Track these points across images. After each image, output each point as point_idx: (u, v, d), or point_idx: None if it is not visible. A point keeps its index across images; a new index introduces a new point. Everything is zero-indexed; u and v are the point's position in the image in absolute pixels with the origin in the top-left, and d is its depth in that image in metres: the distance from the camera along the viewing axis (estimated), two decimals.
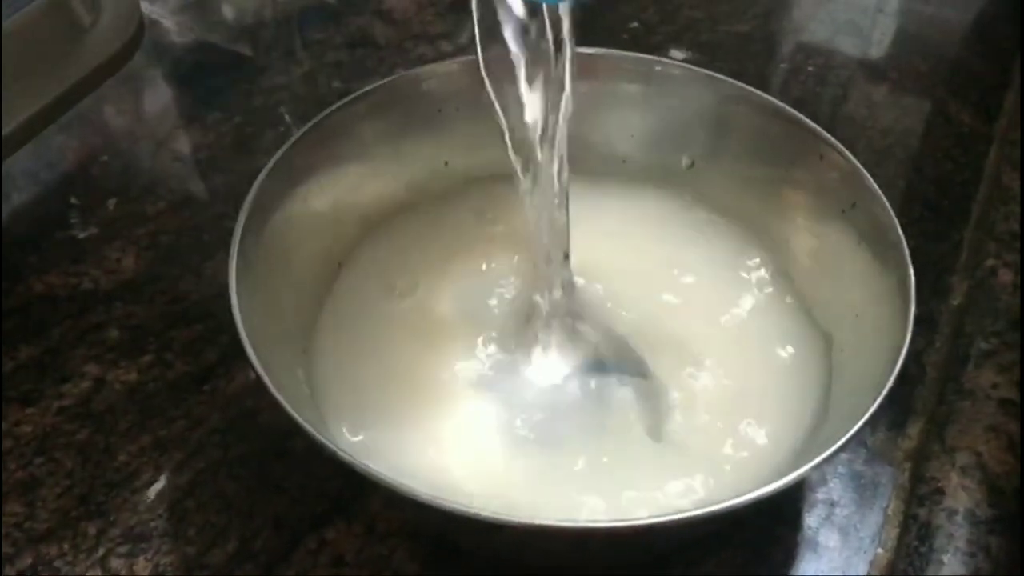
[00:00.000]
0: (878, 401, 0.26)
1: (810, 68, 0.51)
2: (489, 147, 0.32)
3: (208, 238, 0.42)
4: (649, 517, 0.27)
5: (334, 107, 0.35)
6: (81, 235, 0.42)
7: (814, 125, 0.36)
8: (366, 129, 0.36)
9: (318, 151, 0.35)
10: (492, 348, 0.34)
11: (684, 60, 0.51)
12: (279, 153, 0.34)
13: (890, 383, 0.27)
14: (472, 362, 0.34)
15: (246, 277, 0.30)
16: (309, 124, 0.35)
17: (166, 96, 0.49)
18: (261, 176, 0.33)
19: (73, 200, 0.43)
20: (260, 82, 0.50)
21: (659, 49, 0.52)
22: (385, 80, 0.37)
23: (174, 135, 0.47)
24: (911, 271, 0.31)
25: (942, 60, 0.53)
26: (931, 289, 0.40)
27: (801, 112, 0.48)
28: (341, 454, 0.25)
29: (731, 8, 0.56)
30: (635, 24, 0.53)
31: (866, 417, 0.26)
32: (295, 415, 0.26)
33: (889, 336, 0.29)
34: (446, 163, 0.39)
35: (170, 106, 0.48)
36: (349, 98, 0.36)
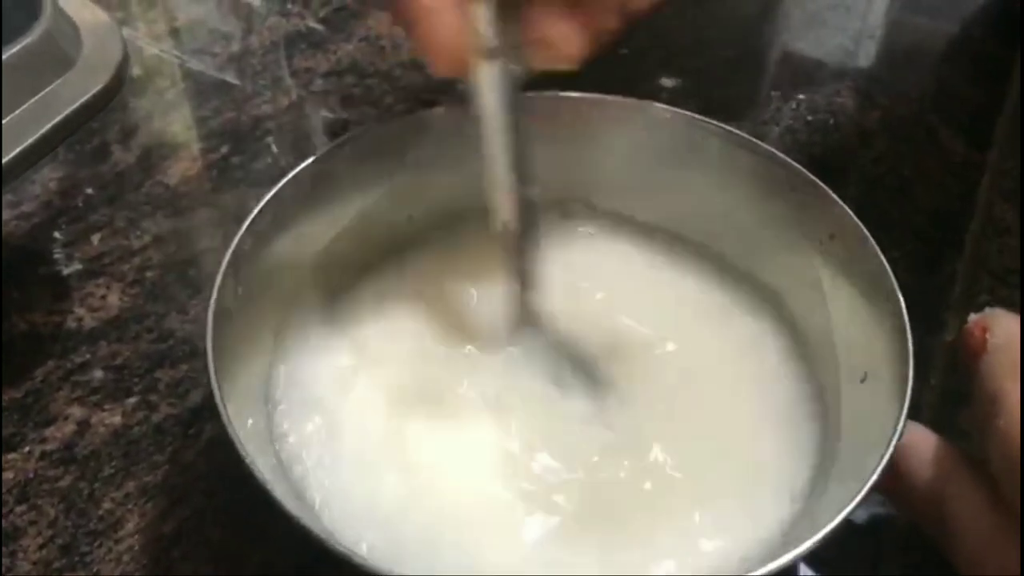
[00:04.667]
0: (869, 484, 0.26)
1: (800, 96, 0.51)
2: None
3: (194, 273, 0.42)
4: None
5: (317, 155, 0.35)
6: (65, 271, 0.41)
7: (785, 158, 0.36)
8: (349, 175, 0.36)
9: (300, 201, 0.34)
10: (459, 403, 0.34)
11: (673, 87, 0.51)
12: (258, 207, 0.33)
13: (887, 455, 0.26)
14: (438, 409, 0.33)
15: (224, 333, 0.29)
16: (289, 175, 0.34)
17: (151, 125, 0.48)
18: (238, 235, 0.32)
19: (57, 235, 0.43)
20: (247, 110, 0.49)
21: (649, 76, 0.51)
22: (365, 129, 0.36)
23: (160, 166, 0.46)
24: (907, 322, 0.30)
25: (932, 84, 0.53)
26: (925, 325, 0.40)
27: (792, 139, 0.49)
28: (312, 532, 0.25)
29: (719, 33, 0.56)
30: (624, 51, 0.53)
31: (860, 496, 0.25)
32: (271, 492, 0.26)
33: (887, 394, 0.29)
34: (409, 216, 0.38)
35: (156, 135, 0.48)
36: (333, 144, 0.35)
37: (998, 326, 0.30)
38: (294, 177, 0.34)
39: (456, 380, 0.33)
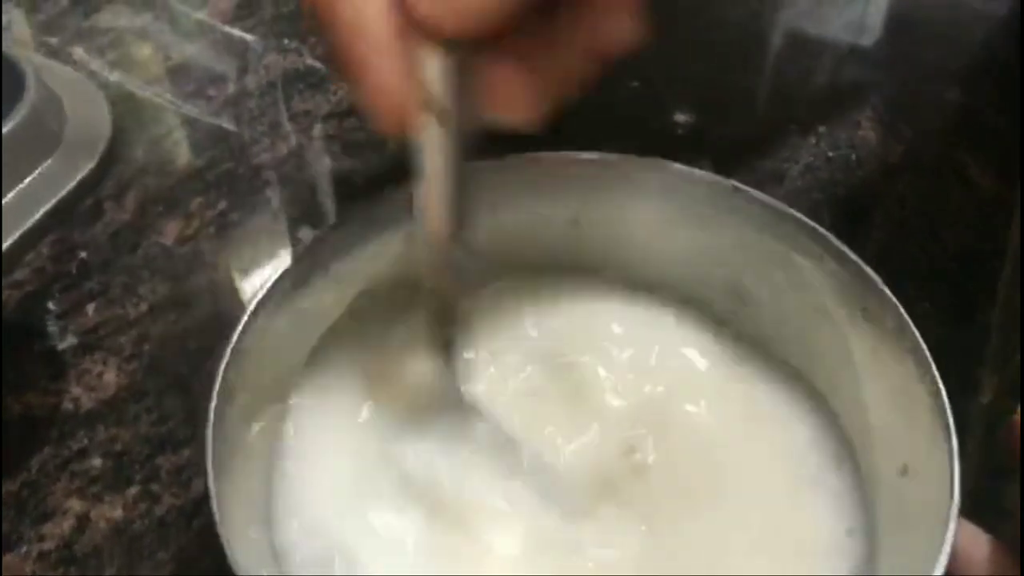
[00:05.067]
0: None
1: (820, 128, 0.49)
2: None
3: (194, 346, 0.40)
4: None
5: (324, 231, 0.33)
6: (60, 346, 0.40)
7: (811, 223, 0.34)
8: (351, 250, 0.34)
9: (300, 285, 0.33)
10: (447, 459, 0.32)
11: (687, 122, 0.49)
12: (257, 298, 0.31)
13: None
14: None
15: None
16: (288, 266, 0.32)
17: (146, 179, 0.46)
18: (232, 342, 0.30)
19: (51, 305, 0.41)
20: (245, 160, 0.47)
21: (661, 112, 0.49)
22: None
23: (156, 224, 0.44)
24: (950, 418, 0.28)
25: (957, 113, 0.51)
26: (959, 385, 0.38)
27: (812, 178, 0.47)
28: None
29: (734, 60, 0.54)
30: (636, 83, 0.51)
31: None
32: None
33: (931, 495, 0.27)
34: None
35: (151, 190, 0.46)
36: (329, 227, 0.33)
37: None
38: (291, 267, 0.32)
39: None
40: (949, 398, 0.35)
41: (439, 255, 0.29)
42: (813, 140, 0.48)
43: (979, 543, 0.27)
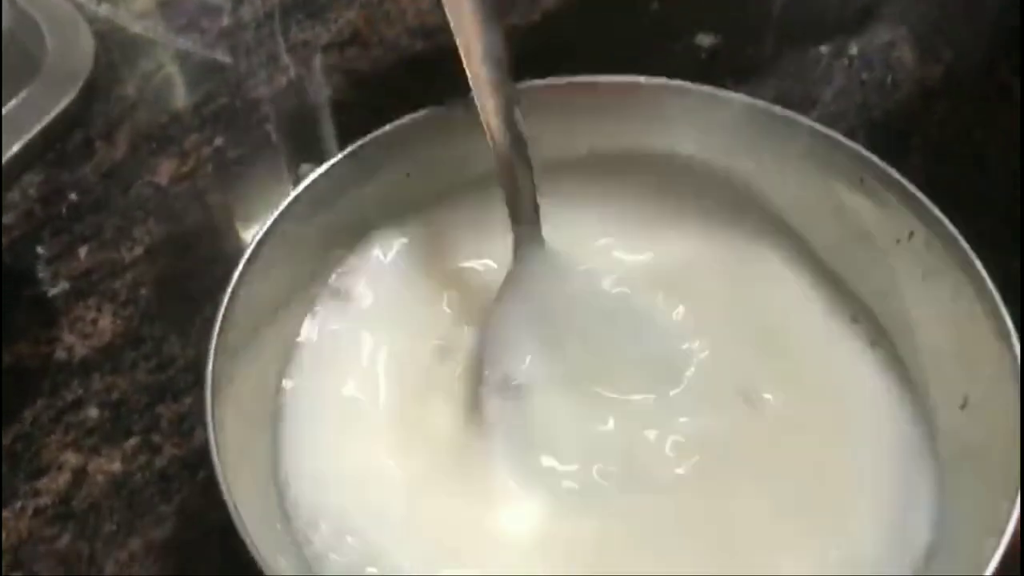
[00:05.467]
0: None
1: (852, 51, 0.46)
2: None
3: (193, 287, 0.37)
4: None
5: (321, 170, 0.30)
6: (51, 292, 0.37)
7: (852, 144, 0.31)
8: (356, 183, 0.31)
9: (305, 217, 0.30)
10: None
11: (712, 45, 0.46)
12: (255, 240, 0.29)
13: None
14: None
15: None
16: (291, 196, 0.30)
17: (137, 115, 0.44)
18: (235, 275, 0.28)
19: (40, 249, 0.39)
20: (242, 94, 0.45)
21: (684, 33, 0.46)
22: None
23: (148, 164, 0.42)
24: (1013, 335, 0.26)
25: (998, 31, 0.48)
26: (1013, 318, 0.36)
27: (846, 102, 0.44)
28: None
29: None
30: (656, 5, 0.48)
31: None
32: None
33: (996, 428, 0.25)
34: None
35: (143, 127, 0.43)
36: (336, 159, 0.31)
37: None
38: (296, 198, 0.29)
39: None
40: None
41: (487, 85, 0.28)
42: (846, 62, 0.45)
43: None
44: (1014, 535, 0.23)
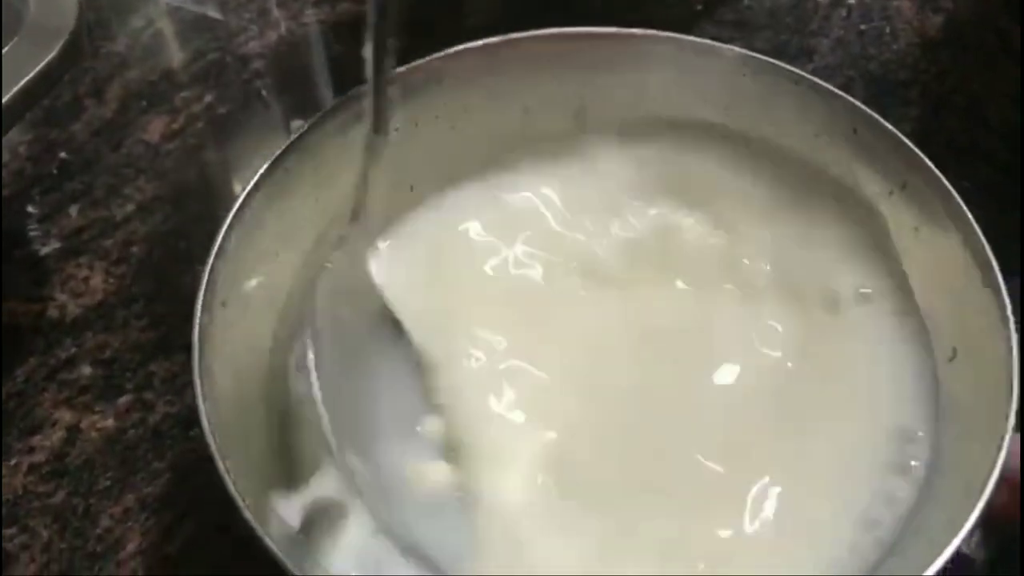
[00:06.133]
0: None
1: (851, 1, 0.45)
2: None
3: (184, 245, 0.37)
4: None
5: (316, 118, 0.30)
6: (43, 251, 0.37)
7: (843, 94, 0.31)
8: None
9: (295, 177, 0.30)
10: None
11: None
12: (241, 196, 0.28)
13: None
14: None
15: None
16: (279, 151, 0.29)
17: (127, 73, 0.43)
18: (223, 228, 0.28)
19: (31, 208, 0.38)
20: (232, 49, 0.44)
21: None
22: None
23: (139, 122, 0.41)
24: (1004, 292, 0.26)
25: None
26: (1003, 266, 0.35)
27: (844, 54, 0.43)
28: None
29: None
30: None
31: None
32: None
33: (986, 380, 0.25)
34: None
35: (132, 85, 0.43)
36: (325, 111, 0.31)
37: None
38: (284, 152, 0.29)
39: None
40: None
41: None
42: (843, 12, 0.45)
43: None
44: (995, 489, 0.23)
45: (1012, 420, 0.24)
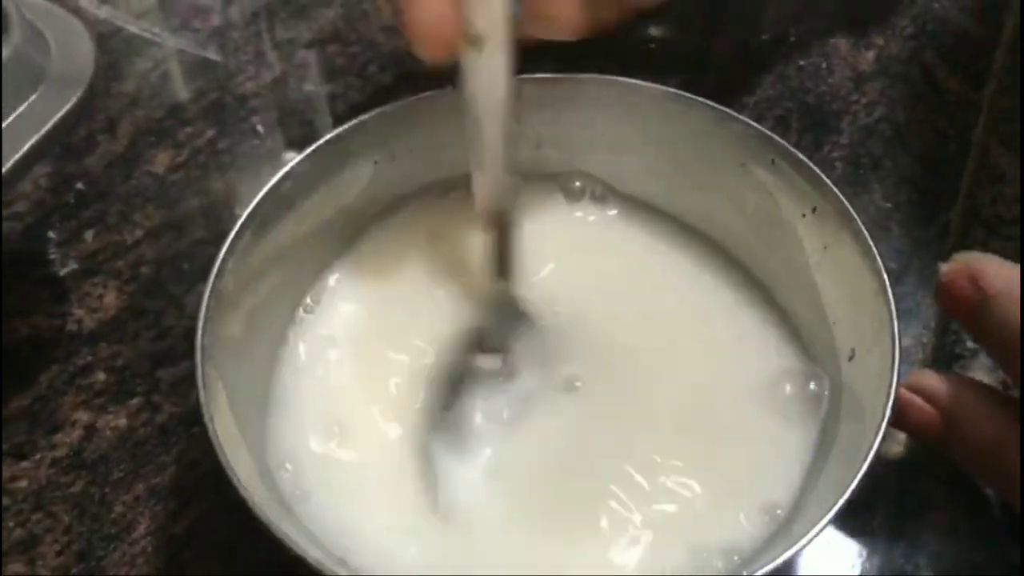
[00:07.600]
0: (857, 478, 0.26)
1: (792, 37, 0.50)
2: None
3: (188, 265, 0.42)
4: None
5: (301, 156, 0.35)
6: (62, 271, 0.42)
7: (765, 130, 0.35)
8: (336, 168, 0.36)
9: (285, 203, 0.35)
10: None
11: (661, 37, 0.50)
12: (240, 222, 0.33)
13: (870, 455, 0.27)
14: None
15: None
16: (272, 181, 0.34)
17: (136, 111, 0.48)
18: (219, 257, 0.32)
19: (51, 234, 0.43)
20: (231, 89, 0.49)
21: (638, 25, 0.50)
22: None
23: (147, 155, 0.46)
24: (892, 305, 0.30)
25: (931, 21, 0.51)
26: (918, 279, 0.40)
27: (783, 87, 0.48)
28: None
29: None
30: None
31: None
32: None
33: (876, 371, 0.29)
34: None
35: (141, 122, 0.47)
36: (315, 146, 0.35)
37: (991, 272, 0.30)
38: (277, 183, 0.34)
39: None
40: (911, 292, 0.37)
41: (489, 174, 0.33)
42: (784, 49, 0.49)
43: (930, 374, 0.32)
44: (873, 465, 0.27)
45: (892, 401, 0.28)
